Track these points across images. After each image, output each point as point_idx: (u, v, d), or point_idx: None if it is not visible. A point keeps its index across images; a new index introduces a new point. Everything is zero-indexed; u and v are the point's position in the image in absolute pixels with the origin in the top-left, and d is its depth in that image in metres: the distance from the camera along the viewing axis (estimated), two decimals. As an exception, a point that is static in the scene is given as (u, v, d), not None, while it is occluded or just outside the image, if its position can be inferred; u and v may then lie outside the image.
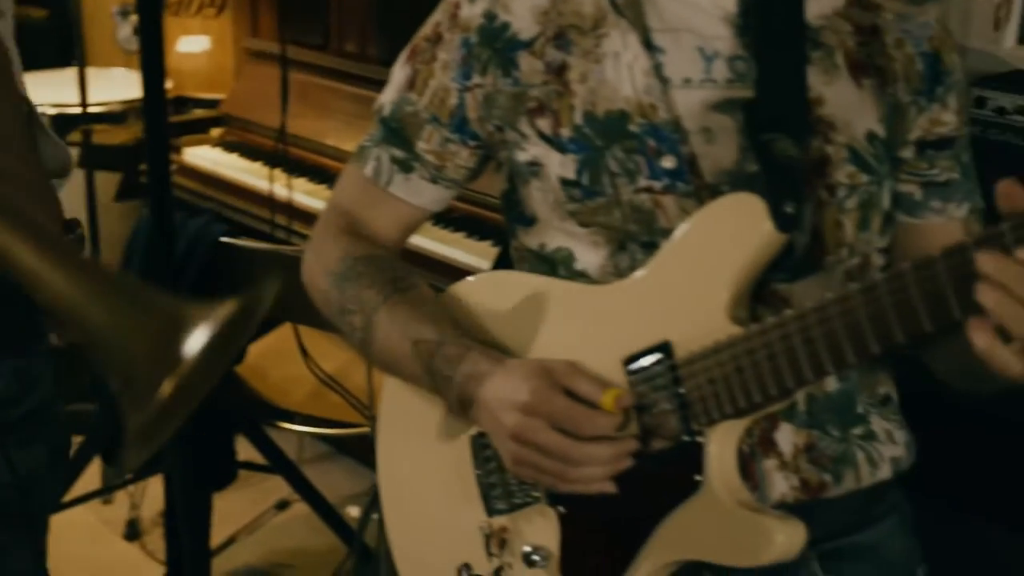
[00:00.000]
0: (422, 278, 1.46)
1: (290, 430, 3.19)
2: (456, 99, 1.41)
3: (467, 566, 1.44)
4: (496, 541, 1.41)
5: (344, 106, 3.46)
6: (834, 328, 1.16)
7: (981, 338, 1.07)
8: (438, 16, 1.44)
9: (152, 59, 2.68)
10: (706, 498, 1.27)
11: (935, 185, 1.39)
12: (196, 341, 1.06)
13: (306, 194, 3.26)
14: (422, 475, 1.48)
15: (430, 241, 2.87)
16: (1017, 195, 1.05)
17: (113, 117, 3.73)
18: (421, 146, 1.44)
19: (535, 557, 1.37)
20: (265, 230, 3.30)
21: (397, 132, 1.45)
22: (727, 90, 1.31)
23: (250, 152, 3.62)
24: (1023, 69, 2.67)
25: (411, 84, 1.44)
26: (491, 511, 1.41)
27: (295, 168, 3.35)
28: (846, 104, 1.32)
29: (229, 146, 3.71)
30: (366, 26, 3.50)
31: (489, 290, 1.44)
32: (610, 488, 1.28)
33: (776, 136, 1.26)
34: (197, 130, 3.80)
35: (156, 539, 3.21)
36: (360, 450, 3.51)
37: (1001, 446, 2.31)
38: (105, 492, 3.43)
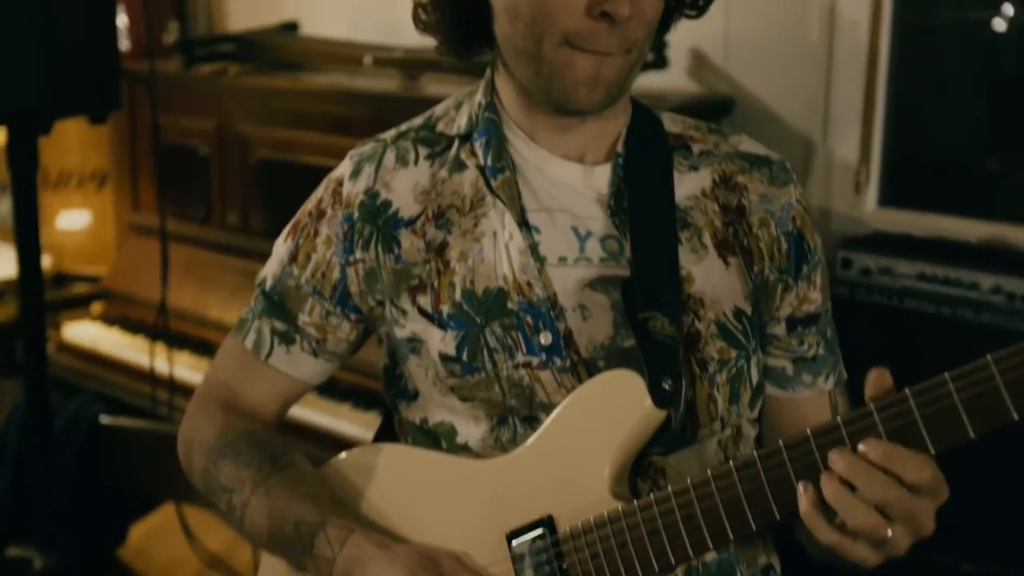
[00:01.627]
0: (304, 452, 1.45)
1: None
2: (338, 273, 1.42)
3: None
4: None
5: (227, 278, 3.45)
6: (715, 504, 1.20)
7: (804, 504, 1.16)
8: (321, 192, 1.46)
9: (28, 239, 2.67)
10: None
11: (804, 360, 1.43)
12: None
13: (189, 368, 3.23)
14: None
15: (315, 413, 2.85)
16: (884, 383, 1.14)
17: (-12, 295, 3.67)
18: (303, 319, 1.45)
19: None
20: (147, 406, 3.24)
21: (279, 305, 1.46)
22: (601, 268, 1.35)
23: (131, 326, 3.58)
24: (884, 231, 2.79)
25: (293, 258, 1.46)
26: None
27: (177, 342, 3.30)
28: (714, 282, 1.36)
29: (110, 321, 3.67)
30: (247, 199, 3.52)
31: (371, 464, 1.43)
32: None
33: (652, 315, 1.30)
34: (78, 305, 3.76)
35: None
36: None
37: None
38: None
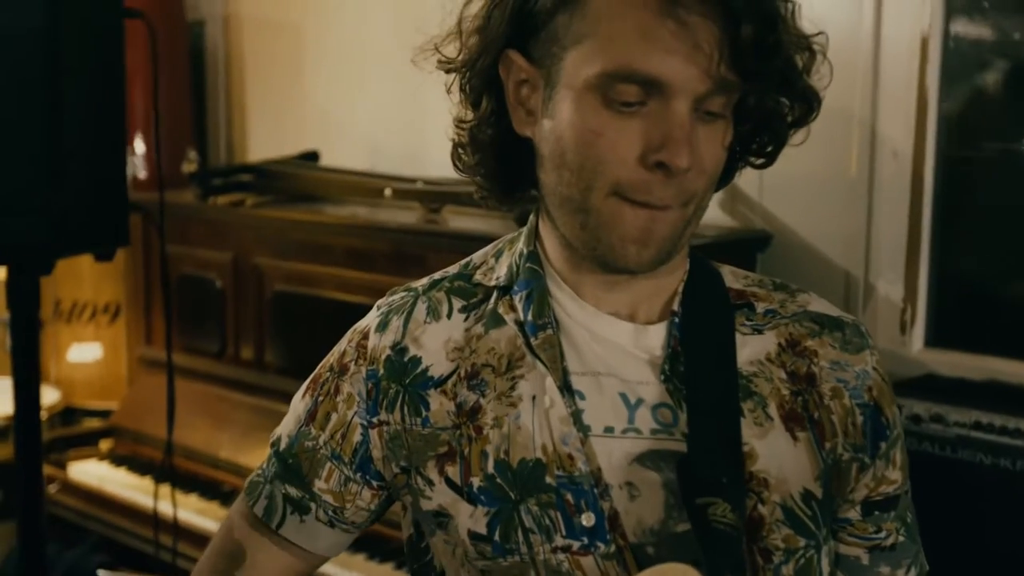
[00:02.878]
0: None
1: None
2: (360, 436, 1.29)
3: None
4: None
5: (240, 416, 3.35)
6: None
7: None
8: (344, 345, 1.33)
9: (28, 381, 2.55)
10: None
11: (882, 549, 1.28)
12: None
13: (196, 512, 3.12)
14: None
15: (328, 564, 2.70)
16: None
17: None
18: (319, 485, 1.31)
19: None
20: (150, 552, 3.10)
21: (293, 468, 1.33)
22: (652, 441, 1.21)
23: (140, 467, 3.49)
24: (933, 373, 2.65)
25: (312, 416, 1.32)
26: None
27: (186, 484, 3.20)
28: (781, 460, 1.21)
29: (118, 460, 3.57)
30: (262, 333, 3.43)
31: None
32: None
33: (713, 500, 1.15)
34: (86, 443, 3.66)
35: None
36: None
37: None
38: None
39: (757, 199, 2.88)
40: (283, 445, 1.34)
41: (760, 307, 1.27)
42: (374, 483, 1.30)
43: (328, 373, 1.33)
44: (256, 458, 3.17)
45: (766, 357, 1.24)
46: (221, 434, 3.34)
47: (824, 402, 1.23)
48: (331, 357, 1.34)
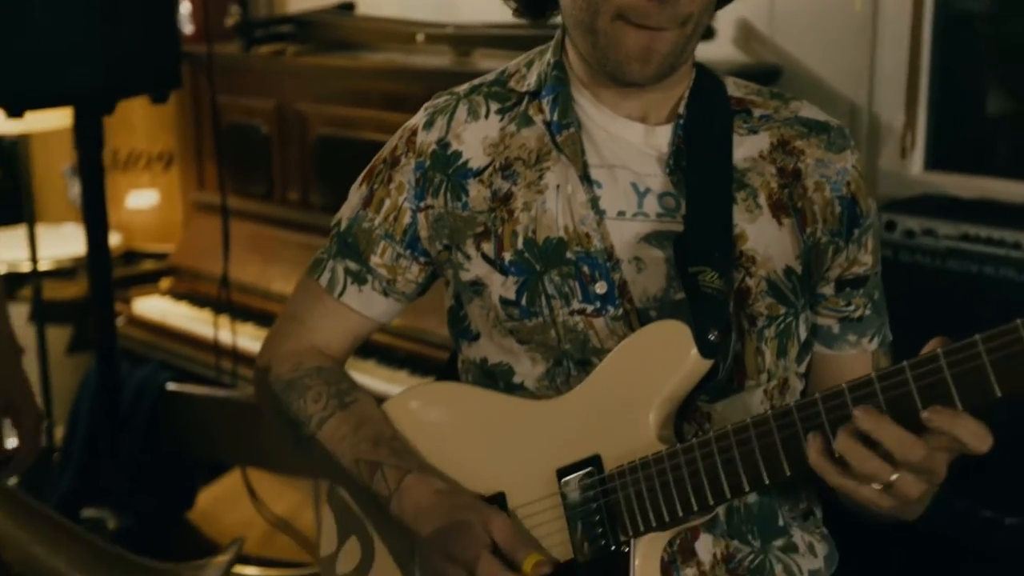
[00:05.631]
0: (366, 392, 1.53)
1: (243, 574, 3.19)
2: (409, 218, 1.50)
3: None
4: None
5: (289, 253, 3.53)
6: (752, 449, 1.25)
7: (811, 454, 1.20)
8: (395, 140, 1.53)
9: (95, 216, 2.77)
10: (630, 606, 1.33)
11: (850, 320, 1.48)
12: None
13: (252, 339, 3.31)
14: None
15: (374, 380, 2.93)
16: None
17: (64, 272, 3.79)
18: (374, 260, 1.52)
19: None
20: (212, 376, 3.34)
21: (352, 246, 1.53)
22: (657, 223, 1.41)
23: (197, 301, 3.68)
24: (930, 194, 2.81)
25: (367, 202, 1.53)
26: None
27: (241, 315, 3.39)
28: (767, 241, 1.41)
29: (178, 295, 3.76)
30: (307, 175, 3.61)
31: (431, 402, 1.51)
32: None
33: (702, 269, 1.35)
34: (147, 282, 3.86)
35: None
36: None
37: (921, 557, 2.38)
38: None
39: (768, 35, 3.03)
40: (343, 227, 1.55)
41: (756, 112, 1.45)
42: (421, 259, 1.52)
43: (382, 165, 1.53)
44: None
45: (759, 155, 1.43)
46: (272, 269, 3.53)
47: (808, 194, 1.42)
48: (384, 151, 1.54)
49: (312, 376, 1.52)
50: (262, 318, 3.45)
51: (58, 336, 3.67)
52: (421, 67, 3.35)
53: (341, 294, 1.54)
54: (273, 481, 3.20)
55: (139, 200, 4.07)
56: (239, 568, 3.13)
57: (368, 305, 1.55)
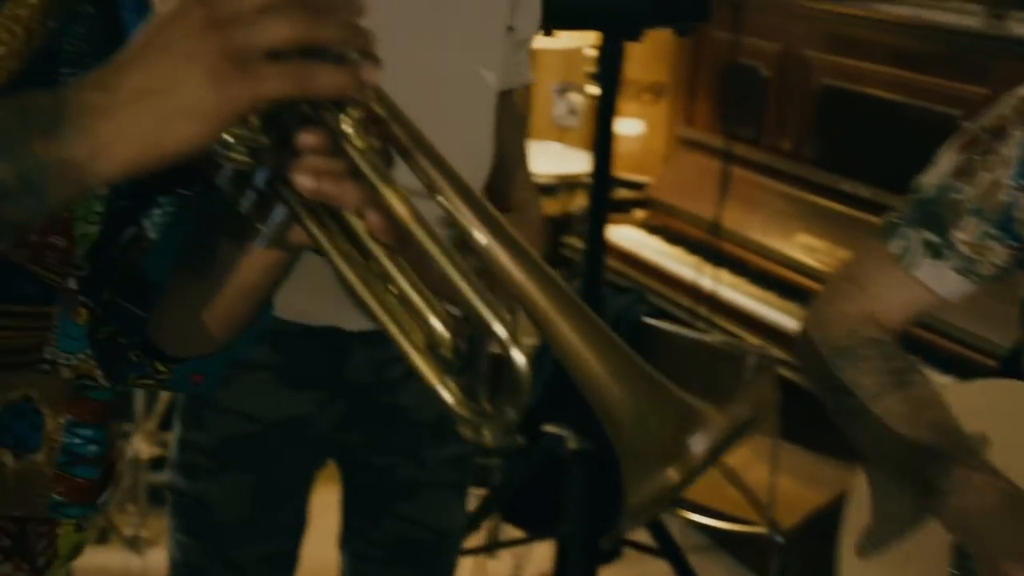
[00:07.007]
0: (921, 375, 1.44)
1: (680, 516, 3.18)
2: (1007, 196, 1.38)
3: None
4: None
5: (771, 202, 3.46)
6: None
7: None
8: (1003, 109, 1.41)
9: (603, 138, 2.82)
10: None
11: None
12: (705, 439, 1.09)
13: (728, 287, 3.29)
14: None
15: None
16: None
17: (544, 189, 3.90)
18: (956, 235, 1.41)
19: None
20: (683, 317, 3.34)
21: (934, 216, 1.43)
22: None
23: (672, 237, 3.70)
24: None
25: (960, 172, 1.42)
26: None
27: (714, 258, 3.37)
28: None
29: (652, 229, 3.80)
30: (803, 126, 3.50)
31: (1001, 398, 1.40)
32: None
33: None
34: (620, 210, 3.90)
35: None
36: (743, 550, 3.46)
37: None
38: (494, 548, 3.54)
39: None
40: (927, 194, 1.44)
41: None
42: (1011, 243, 1.39)
43: (984, 134, 1.40)
44: (784, 244, 3.31)
45: None
46: (751, 216, 3.47)
47: None
48: (988, 118, 1.41)
49: (867, 347, 1.44)
50: (735, 264, 3.41)
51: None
52: (944, 24, 3.13)
53: (913, 266, 1.44)
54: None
55: (624, 128, 4.10)
56: (684, 513, 3.13)
57: (940, 282, 1.44)
